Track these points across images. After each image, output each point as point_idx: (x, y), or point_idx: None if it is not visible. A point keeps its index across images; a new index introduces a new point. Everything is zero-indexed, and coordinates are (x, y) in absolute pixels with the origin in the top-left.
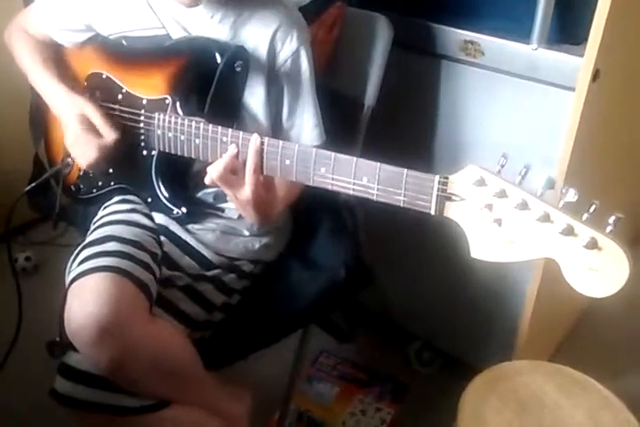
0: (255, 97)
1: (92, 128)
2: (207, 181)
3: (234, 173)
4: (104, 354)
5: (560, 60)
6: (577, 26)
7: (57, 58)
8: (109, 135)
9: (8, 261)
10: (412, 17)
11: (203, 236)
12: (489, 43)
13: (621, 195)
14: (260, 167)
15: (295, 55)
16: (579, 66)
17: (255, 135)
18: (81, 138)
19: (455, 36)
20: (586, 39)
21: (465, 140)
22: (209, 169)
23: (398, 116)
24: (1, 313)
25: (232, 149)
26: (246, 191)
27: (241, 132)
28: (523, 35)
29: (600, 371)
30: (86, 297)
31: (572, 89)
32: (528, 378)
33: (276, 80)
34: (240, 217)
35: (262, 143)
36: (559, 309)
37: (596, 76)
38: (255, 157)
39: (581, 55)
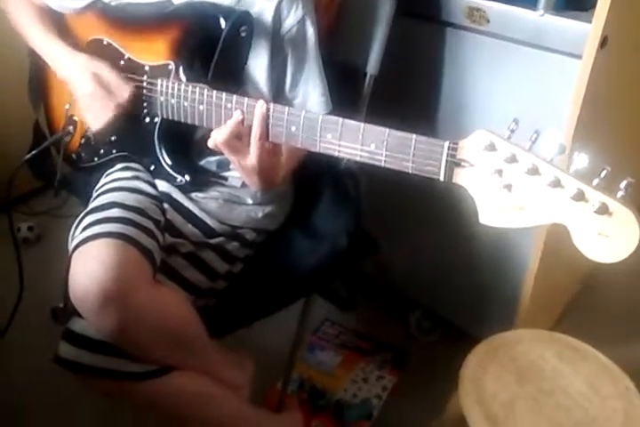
0: (258, 64)
1: (104, 87)
2: (211, 144)
3: (239, 138)
4: (108, 319)
5: (567, 27)
6: None
7: (57, 23)
8: (124, 91)
9: (9, 230)
10: None
11: (206, 204)
12: (495, 9)
13: (631, 163)
14: (265, 134)
15: (301, 23)
16: (586, 33)
17: (261, 101)
18: (96, 99)
19: (460, 2)
20: (594, 5)
21: (470, 109)
22: (213, 134)
23: (402, 85)
24: (3, 283)
25: (237, 115)
26: (251, 158)
27: (246, 99)
28: (529, 1)
29: (601, 340)
30: (90, 263)
31: (579, 56)
32: (528, 347)
33: (281, 48)
34: (243, 185)
35: (268, 110)
36: (560, 279)
37: (603, 43)
38: (261, 123)
39: (589, 22)
